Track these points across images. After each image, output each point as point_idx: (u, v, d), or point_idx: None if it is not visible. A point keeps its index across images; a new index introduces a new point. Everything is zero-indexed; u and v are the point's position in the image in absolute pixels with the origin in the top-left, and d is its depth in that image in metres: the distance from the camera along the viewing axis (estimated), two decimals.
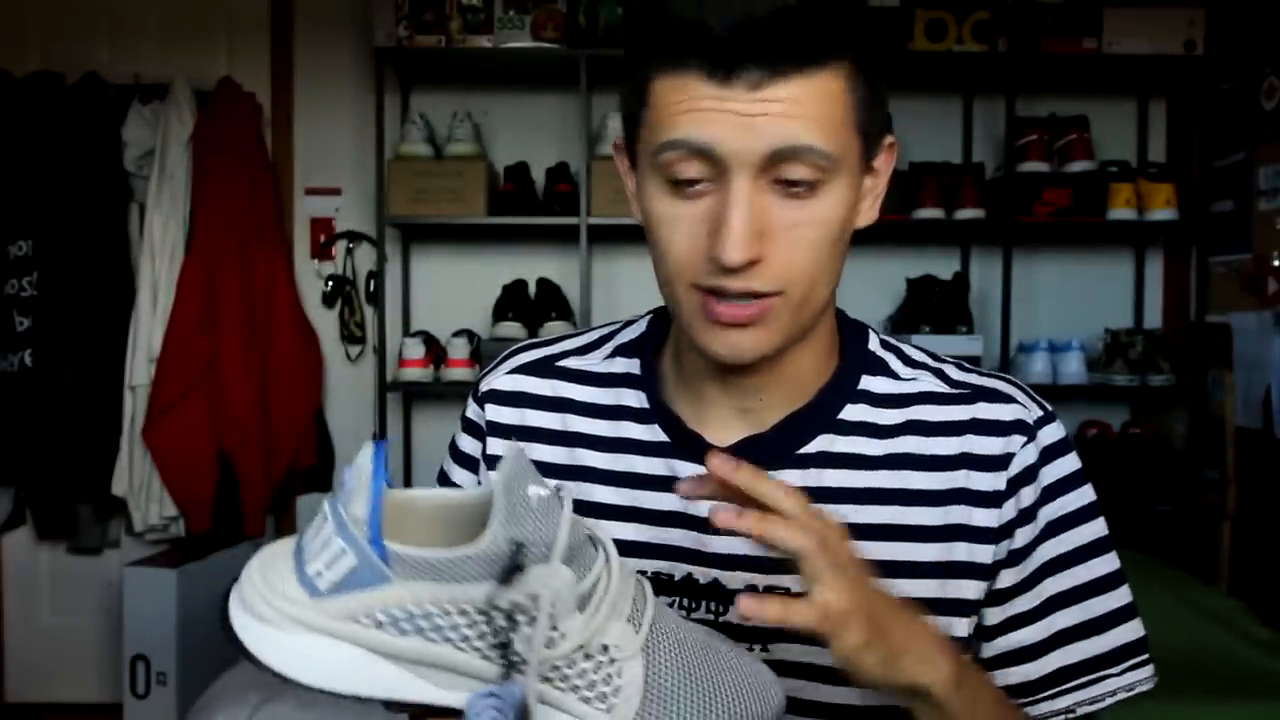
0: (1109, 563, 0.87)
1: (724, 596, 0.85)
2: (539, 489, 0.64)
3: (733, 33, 0.69)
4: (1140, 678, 0.86)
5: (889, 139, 0.82)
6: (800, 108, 0.71)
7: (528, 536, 0.62)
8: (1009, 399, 0.87)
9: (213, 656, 3.13)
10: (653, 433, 0.88)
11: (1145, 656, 0.87)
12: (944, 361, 0.91)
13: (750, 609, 0.64)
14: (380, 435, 3.38)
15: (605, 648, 0.65)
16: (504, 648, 0.64)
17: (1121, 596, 0.87)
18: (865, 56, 0.75)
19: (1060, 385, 3.32)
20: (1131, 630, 0.86)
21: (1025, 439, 0.85)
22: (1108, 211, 3.27)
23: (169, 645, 3.10)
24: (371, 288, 3.57)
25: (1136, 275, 3.63)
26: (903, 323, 3.37)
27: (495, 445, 0.93)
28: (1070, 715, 0.86)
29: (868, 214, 0.82)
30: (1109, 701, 0.86)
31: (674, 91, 0.73)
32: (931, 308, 3.31)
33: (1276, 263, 3.02)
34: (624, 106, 0.80)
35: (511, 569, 0.62)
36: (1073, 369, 3.32)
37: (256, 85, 3.53)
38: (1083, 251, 3.64)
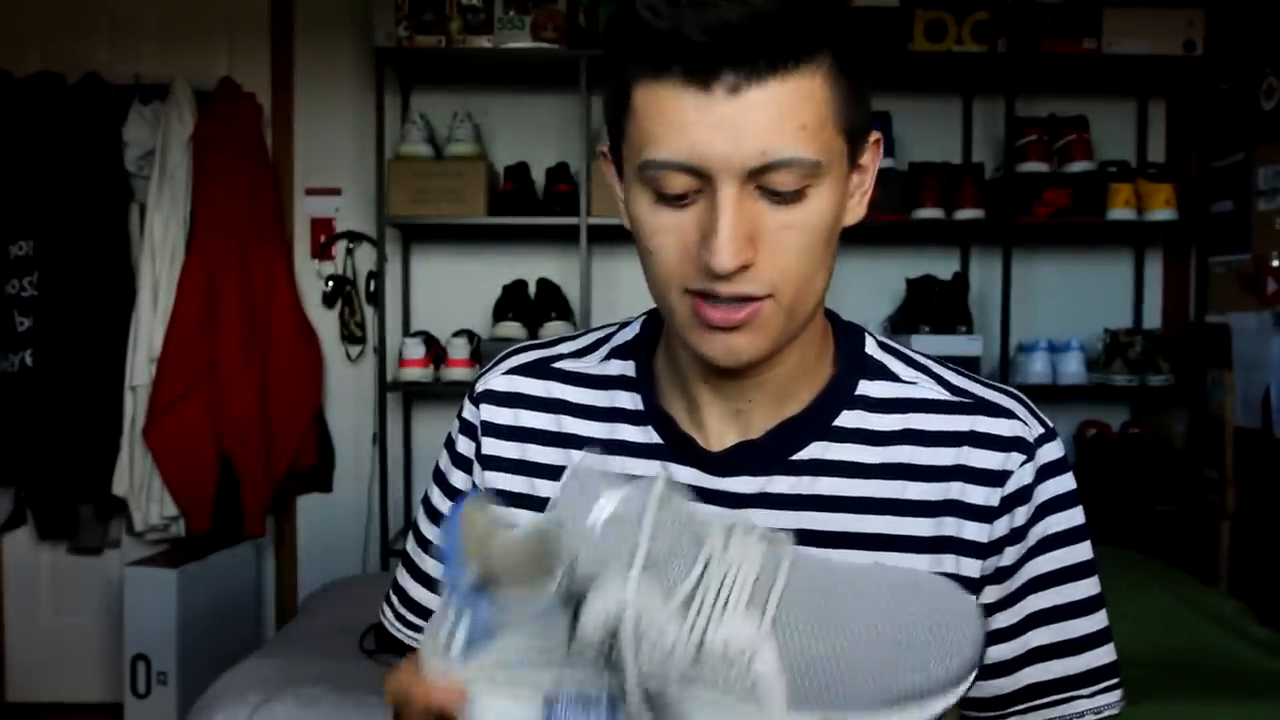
0: (1091, 586, 0.86)
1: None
2: (606, 505, 0.64)
3: (708, 39, 0.69)
4: (1109, 701, 0.86)
5: (874, 135, 0.82)
6: (781, 113, 0.71)
7: (599, 557, 0.63)
8: (1010, 414, 0.86)
9: (213, 656, 3.18)
10: (646, 435, 0.88)
11: (1116, 681, 0.87)
12: (946, 367, 0.90)
13: None
14: (381, 435, 3.37)
15: (726, 644, 0.63)
16: (641, 681, 0.64)
17: (1099, 621, 0.86)
18: (845, 55, 0.75)
19: (1060, 385, 3.33)
20: (1106, 654, 0.87)
21: (1024, 458, 0.84)
22: (1107, 212, 3.27)
23: (169, 645, 3.10)
24: (371, 288, 3.57)
25: (1136, 275, 3.64)
26: (902, 323, 3.36)
27: (490, 446, 0.93)
28: None
29: (855, 211, 0.82)
30: None
31: (655, 101, 0.73)
32: (931, 308, 3.31)
33: (1276, 263, 3.02)
34: (607, 115, 0.80)
35: (575, 602, 0.63)
36: (1072, 369, 3.32)
37: (257, 85, 3.53)
38: (1082, 252, 3.64)
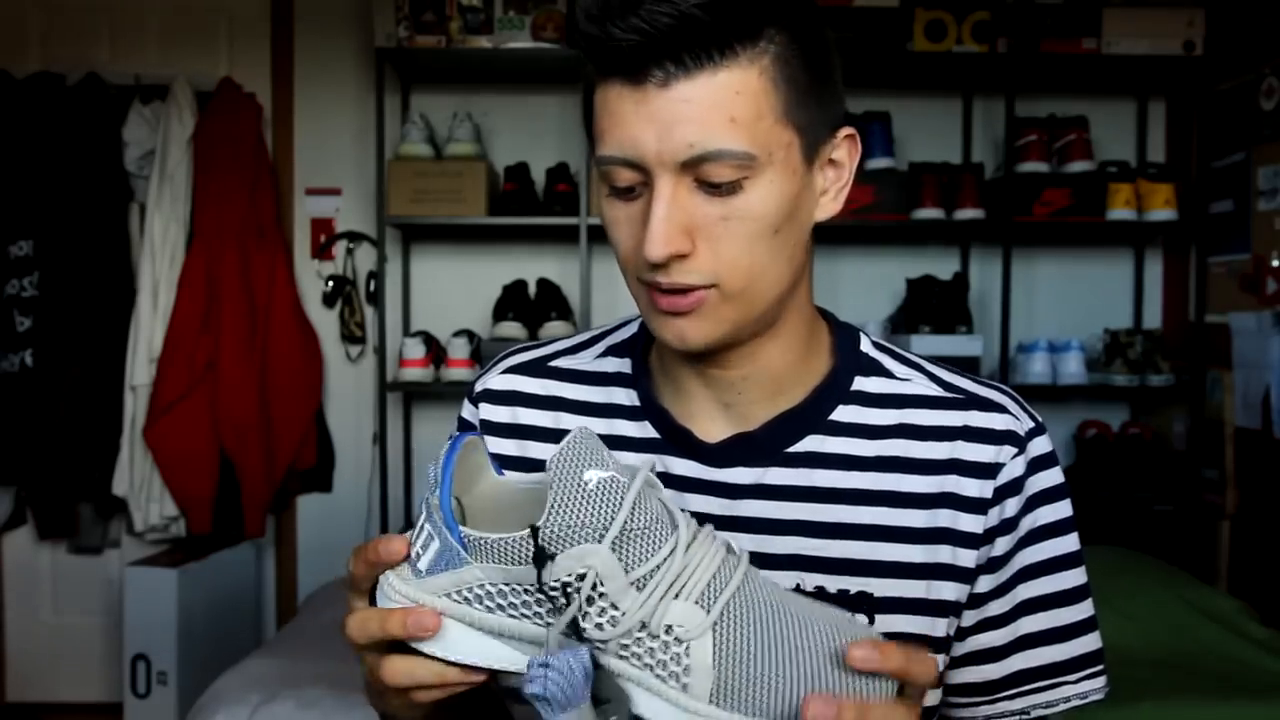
0: (1078, 576, 0.89)
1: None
2: (598, 472, 0.67)
3: (636, 39, 0.71)
4: (1094, 687, 0.89)
5: (845, 131, 0.83)
6: (710, 106, 0.73)
7: (580, 521, 0.66)
8: (1002, 409, 0.88)
9: (213, 656, 3.18)
10: (643, 429, 0.90)
11: (1101, 667, 0.89)
12: (939, 365, 0.93)
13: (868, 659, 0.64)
14: (381, 435, 3.36)
15: (669, 628, 0.66)
16: (577, 627, 0.67)
17: (1086, 609, 0.89)
18: (794, 50, 0.76)
19: (1060, 385, 3.32)
20: (1092, 641, 0.89)
21: (1016, 450, 0.87)
22: (1107, 212, 3.26)
23: (169, 645, 3.10)
24: (371, 288, 3.57)
25: (1136, 275, 3.63)
26: (902, 323, 3.36)
27: (490, 444, 0.92)
28: (1024, 717, 0.89)
29: (829, 207, 0.83)
30: (1062, 707, 0.89)
31: (603, 100, 0.76)
32: (931, 308, 3.30)
33: (1275, 263, 3.02)
34: (583, 117, 0.83)
35: (539, 556, 0.66)
36: (1072, 369, 3.31)
37: (257, 85, 3.52)
38: (1082, 252, 3.63)
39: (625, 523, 0.66)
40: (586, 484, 0.66)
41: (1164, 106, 3.63)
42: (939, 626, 0.86)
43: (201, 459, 3.31)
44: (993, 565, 0.87)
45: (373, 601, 0.75)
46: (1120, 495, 3.31)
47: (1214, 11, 3.25)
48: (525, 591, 0.69)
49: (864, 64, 3.25)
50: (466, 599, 0.70)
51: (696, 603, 0.67)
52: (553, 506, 0.67)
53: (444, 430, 3.54)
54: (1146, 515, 3.32)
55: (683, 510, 0.71)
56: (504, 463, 0.92)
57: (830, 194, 0.83)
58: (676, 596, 0.66)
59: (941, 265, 3.51)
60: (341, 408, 3.64)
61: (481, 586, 0.70)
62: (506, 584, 0.69)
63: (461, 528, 0.70)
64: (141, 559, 3.27)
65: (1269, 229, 3.06)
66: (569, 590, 0.67)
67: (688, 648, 0.66)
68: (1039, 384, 3.28)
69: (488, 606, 0.70)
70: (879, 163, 3.28)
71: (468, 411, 0.98)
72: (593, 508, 0.66)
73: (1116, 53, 3.25)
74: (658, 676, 0.67)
